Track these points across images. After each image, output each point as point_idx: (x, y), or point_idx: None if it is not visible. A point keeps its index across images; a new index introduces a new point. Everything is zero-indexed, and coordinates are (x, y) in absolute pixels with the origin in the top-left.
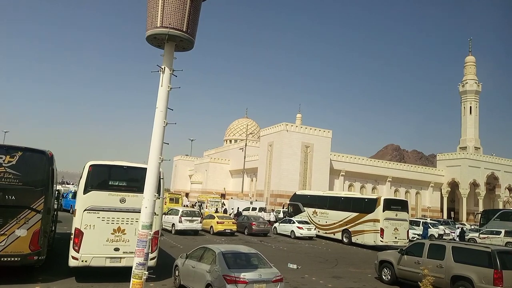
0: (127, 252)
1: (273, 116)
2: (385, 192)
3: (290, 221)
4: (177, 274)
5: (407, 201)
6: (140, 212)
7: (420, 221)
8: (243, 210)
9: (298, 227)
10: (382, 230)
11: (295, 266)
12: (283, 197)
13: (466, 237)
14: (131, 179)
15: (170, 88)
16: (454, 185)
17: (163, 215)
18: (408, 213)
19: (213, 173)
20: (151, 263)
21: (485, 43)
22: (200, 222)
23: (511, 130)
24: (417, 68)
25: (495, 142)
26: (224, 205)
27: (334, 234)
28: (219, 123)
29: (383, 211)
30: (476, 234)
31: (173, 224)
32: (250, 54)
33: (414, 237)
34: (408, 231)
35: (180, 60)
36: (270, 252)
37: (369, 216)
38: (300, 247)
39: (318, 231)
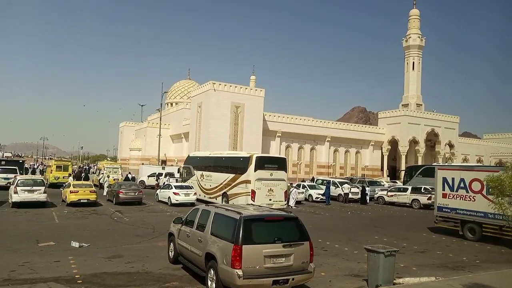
0: None
1: (227, 78)
2: (323, 152)
3: (169, 187)
4: None
5: (284, 158)
6: None
7: (330, 181)
8: (148, 177)
9: (174, 193)
10: (253, 192)
11: (77, 245)
12: None
13: (375, 195)
14: None
15: None
16: (394, 143)
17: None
18: (286, 171)
19: (152, 139)
20: None
21: None
22: (43, 192)
23: (454, 85)
24: (374, 28)
25: (438, 98)
26: (129, 172)
27: (216, 199)
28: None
29: (255, 171)
30: (385, 192)
31: (11, 195)
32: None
33: (318, 198)
34: (286, 192)
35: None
36: (92, 226)
37: (243, 177)
38: (155, 216)
39: (204, 196)
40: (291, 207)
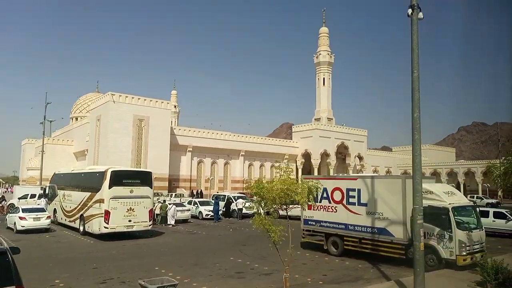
0: None
1: (145, 93)
2: (238, 166)
3: (16, 210)
4: None
5: (149, 172)
6: None
7: (219, 196)
8: (19, 199)
9: (21, 218)
10: (107, 213)
11: None
12: None
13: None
14: None
15: None
16: (307, 156)
17: None
18: (151, 187)
19: (53, 157)
20: None
21: (339, 14)
22: None
23: (362, 100)
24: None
25: (347, 112)
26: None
27: (75, 222)
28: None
29: (110, 188)
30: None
31: None
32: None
33: (208, 215)
34: (151, 211)
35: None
36: None
37: (97, 196)
38: None
39: (65, 220)
40: (171, 225)
